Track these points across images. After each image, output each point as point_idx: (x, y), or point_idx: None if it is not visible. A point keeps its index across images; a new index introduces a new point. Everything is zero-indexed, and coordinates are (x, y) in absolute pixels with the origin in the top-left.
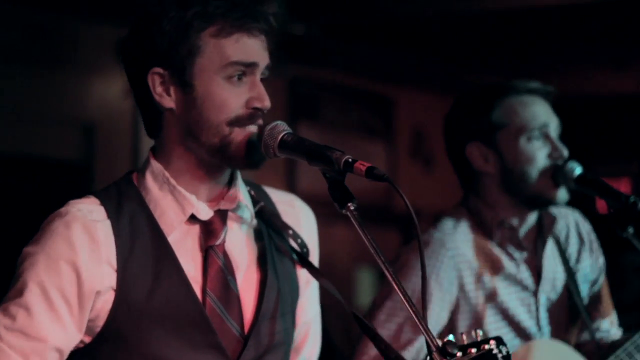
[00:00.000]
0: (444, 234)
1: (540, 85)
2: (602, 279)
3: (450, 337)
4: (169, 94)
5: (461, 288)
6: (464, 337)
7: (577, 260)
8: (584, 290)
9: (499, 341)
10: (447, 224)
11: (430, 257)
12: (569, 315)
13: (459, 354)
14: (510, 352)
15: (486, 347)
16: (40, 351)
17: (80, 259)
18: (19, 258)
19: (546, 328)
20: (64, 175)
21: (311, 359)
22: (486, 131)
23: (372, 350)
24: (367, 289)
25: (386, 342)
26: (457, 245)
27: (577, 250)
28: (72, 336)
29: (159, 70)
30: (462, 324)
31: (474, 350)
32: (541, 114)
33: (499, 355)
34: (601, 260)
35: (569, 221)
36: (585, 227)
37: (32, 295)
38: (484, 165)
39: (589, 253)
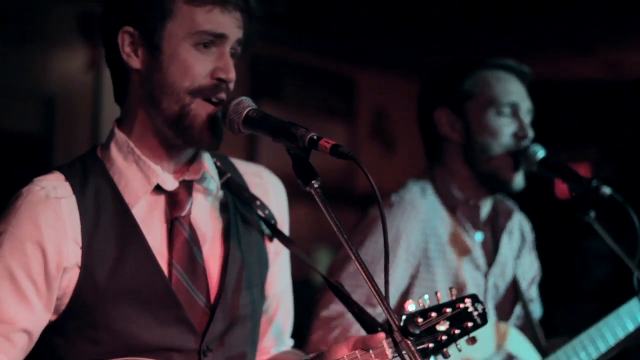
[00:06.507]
0: (414, 196)
1: (516, 64)
2: (536, 283)
3: (426, 296)
4: (136, 55)
5: (425, 254)
6: (439, 295)
7: (518, 256)
8: (523, 286)
9: (475, 299)
10: (414, 188)
11: (402, 217)
12: (512, 306)
13: (434, 314)
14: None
15: (461, 305)
16: (7, 333)
17: (45, 238)
18: None
19: (491, 312)
20: (24, 148)
21: (284, 328)
22: (456, 99)
23: (334, 306)
24: (325, 268)
25: (360, 306)
26: (427, 210)
27: (518, 247)
28: (41, 317)
29: (130, 29)
30: (418, 290)
31: (449, 309)
32: (514, 91)
33: (475, 314)
34: (536, 263)
35: (514, 218)
36: (527, 227)
37: None
38: (449, 132)
39: (529, 252)
